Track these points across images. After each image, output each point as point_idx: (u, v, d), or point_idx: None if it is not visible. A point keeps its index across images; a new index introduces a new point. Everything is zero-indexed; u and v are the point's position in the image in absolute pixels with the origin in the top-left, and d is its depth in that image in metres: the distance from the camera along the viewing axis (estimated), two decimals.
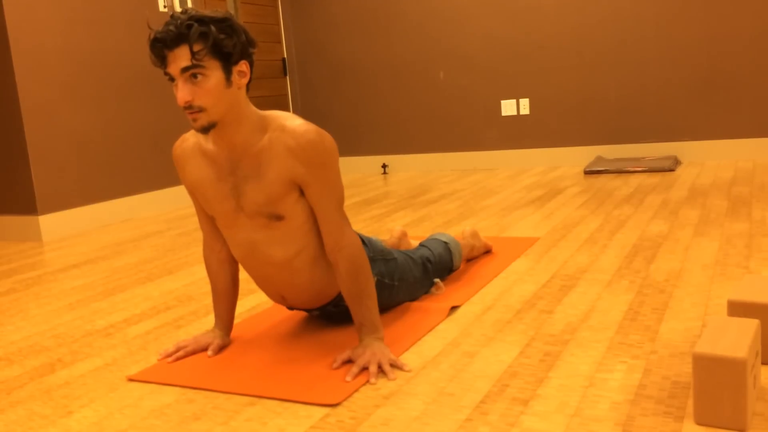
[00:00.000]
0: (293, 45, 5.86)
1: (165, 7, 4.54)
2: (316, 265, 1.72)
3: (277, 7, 5.73)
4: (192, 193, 1.74)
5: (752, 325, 1.32)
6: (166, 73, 1.51)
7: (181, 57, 1.48)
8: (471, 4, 5.20)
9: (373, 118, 5.68)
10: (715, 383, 1.22)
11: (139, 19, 4.38)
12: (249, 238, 1.70)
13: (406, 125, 5.57)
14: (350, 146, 5.80)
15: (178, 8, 4.61)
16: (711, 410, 1.23)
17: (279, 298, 1.82)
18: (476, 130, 5.34)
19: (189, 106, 1.50)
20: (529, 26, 5.05)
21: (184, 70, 1.48)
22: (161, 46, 1.48)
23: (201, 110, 1.51)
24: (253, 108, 1.62)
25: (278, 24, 5.74)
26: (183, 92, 1.49)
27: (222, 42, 1.49)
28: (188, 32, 1.46)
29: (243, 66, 1.55)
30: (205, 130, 1.54)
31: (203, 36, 1.47)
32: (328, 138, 1.60)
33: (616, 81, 4.86)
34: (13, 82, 3.67)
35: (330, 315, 1.93)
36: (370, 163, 5.73)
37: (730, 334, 1.28)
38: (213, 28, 1.48)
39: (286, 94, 5.84)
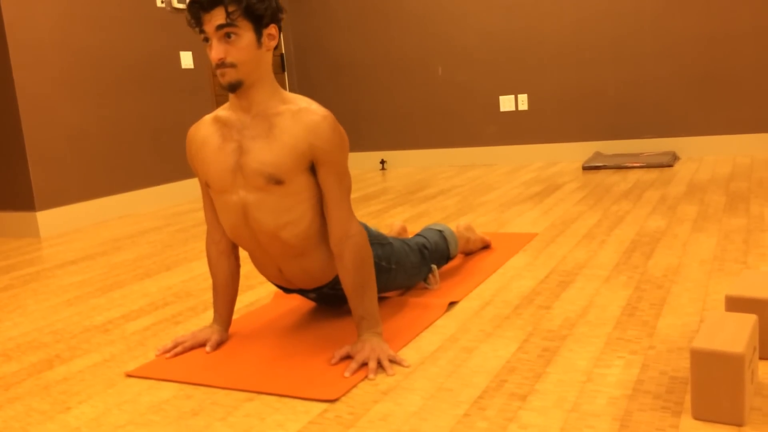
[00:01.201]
0: (291, 41, 5.86)
1: (163, 2, 4.53)
2: (309, 243, 1.72)
3: None
4: (196, 166, 1.77)
5: (750, 320, 1.32)
6: (202, 31, 1.60)
7: (216, 16, 1.57)
8: (469, 0, 5.19)
9: (372, 113, 5.67)
10: (713, 378, 1.22)
11: (137, 14, 4.37)
12: (242, 200, 1.70)
13: (404, 121, 5.57)
14: (349, 142, 5.78)
15: (176, 4, 4.60)
16: (709, 405, 1.23)
17: (276, 271, 1.82)
18: (475, 126, 5.33)
19: (221, 64, 1.59)
20: (528, 22, 5.04)
21: (219, 27, 1.58)
22: (198, 7, 1.58)
23: (232, 67, 1.60)
24: (274, 79, 1.70)
25: None
26: (217, 50, 1.59)
27: (254, 5, 1.59)
28: None
29: (272, 29, 1.65)
30: (232, 87, 1.62)
31: None
32: (343, 130, 1.69)
33: (614, 77, 4.86)
34: (11, 78, 3.66)
35: (326, 298, 1.93)
36: (369, 158, 5.73)
37: (727, 329, 1.28)
38: None
39: (285, 90, 5.83)
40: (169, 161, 4.59)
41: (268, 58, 1.66)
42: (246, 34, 1.59)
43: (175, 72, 4.64)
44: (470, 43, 5.24)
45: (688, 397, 1.34)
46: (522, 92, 5.14)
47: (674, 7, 4.63)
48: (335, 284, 1.85)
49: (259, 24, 1.61)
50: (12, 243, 3.64)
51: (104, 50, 4.15)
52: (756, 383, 1.35)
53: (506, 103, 5.19)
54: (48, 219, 3.79)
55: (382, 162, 5.60)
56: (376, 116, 5.66)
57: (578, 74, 4.95)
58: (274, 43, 1.66)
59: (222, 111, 1.73)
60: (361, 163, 5.76)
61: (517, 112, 5.18)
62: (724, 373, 1.21)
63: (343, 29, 5.66)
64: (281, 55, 5.76)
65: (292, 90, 5.88)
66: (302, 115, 1.64)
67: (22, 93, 3.69)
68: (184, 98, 4.70)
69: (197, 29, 1.64)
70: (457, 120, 5.38)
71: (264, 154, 1.64)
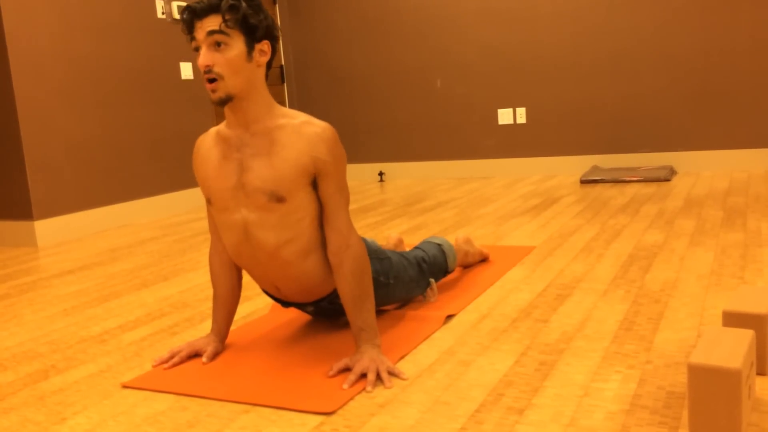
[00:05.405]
0: (291, 52, 5.88)
1: (163, 13, 4.54)
2: (308, 259, 1.72)
3: (275, 15, 5.75)
4: (200, 181, 1.77)
5: (747, 335, 1.32)
6: (193, 38, 1.60)
7: (208, 23, 1.57)
8: (468, 13, 5.22)
9: (371, 125, 5.69)
10: (710, 394, 1.22)
11: (137, 24, 4.38)
12: (243, 219, 1.70)
13: (403, 133, 5.58)
14: (348, 153, 5.80)
15: (176, 15, 4.62)
16: (706, 421, 1.23)
17: (273, 288, 1.82)
18: (473, 139, 5.35)
19: (208, 71, 1.58)
20: (526, 36, 5.07)
21: (210, 33, 1.57)
22: (192, 15, 1.58)
23: (219, 79, 1.58)
24: (269, 94, 1.69)
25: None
26: (205, 57, 1.58)
27: (249, 16, 1.59)
28: (219, 3, 1.57)
29: (265, 45, 1.64)
30: (222, 102, 1.61)
31: (232, 8, 1.58)
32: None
33: (612, 91, 4.88)
34: (11, 87, 3.67)
35: (324, 311, 1.92)
36: (368, 170, 5.73)
37: (724, 344, 1.28)
38: (243, 3, 1.59)
39: (284, 101, 5.85)
40: (167, 171, 4.59)
41: (259, 73, 1.64)
42: (236, 45, 1.58)
43: (175, 82, 4.65)
44: (469, 57, 5.27)
45: (685, 413, 1.34)
46: (520, 105, 5.16)
47: (672, 22, 4.65)
48: (333, 298, 1.84)
49: (251, 36, 1.60)
50: (9, 252, 3.64)
51: (104, 60, 4.16)
52: (753, 399, 1.35)
53: (504, 116, 5.21)
54: (46, 228, 3.78)
55: (381, 174, 5.61)
56: (375, 128, 5.67)
57: (576, 88, 4.97)
58: (265, 59, 1.64)
59: (223, 127, 1.73)
60: (360, 175, 5.76)
61: (515, 126, 5.20)
62: (722, 389, 1.21)
63: (342, 41, 5.68)
64: (281, 67, 5.78)
65: (291, 102, 5.90)
66: (304, 129, 1.64)
67: (22, 102, 3.70)
68: (183, 109, 4.71)
69: (189, 37, 1.64)
70: (456, 132, 5.39)
71: (265, 170, 1.64)
